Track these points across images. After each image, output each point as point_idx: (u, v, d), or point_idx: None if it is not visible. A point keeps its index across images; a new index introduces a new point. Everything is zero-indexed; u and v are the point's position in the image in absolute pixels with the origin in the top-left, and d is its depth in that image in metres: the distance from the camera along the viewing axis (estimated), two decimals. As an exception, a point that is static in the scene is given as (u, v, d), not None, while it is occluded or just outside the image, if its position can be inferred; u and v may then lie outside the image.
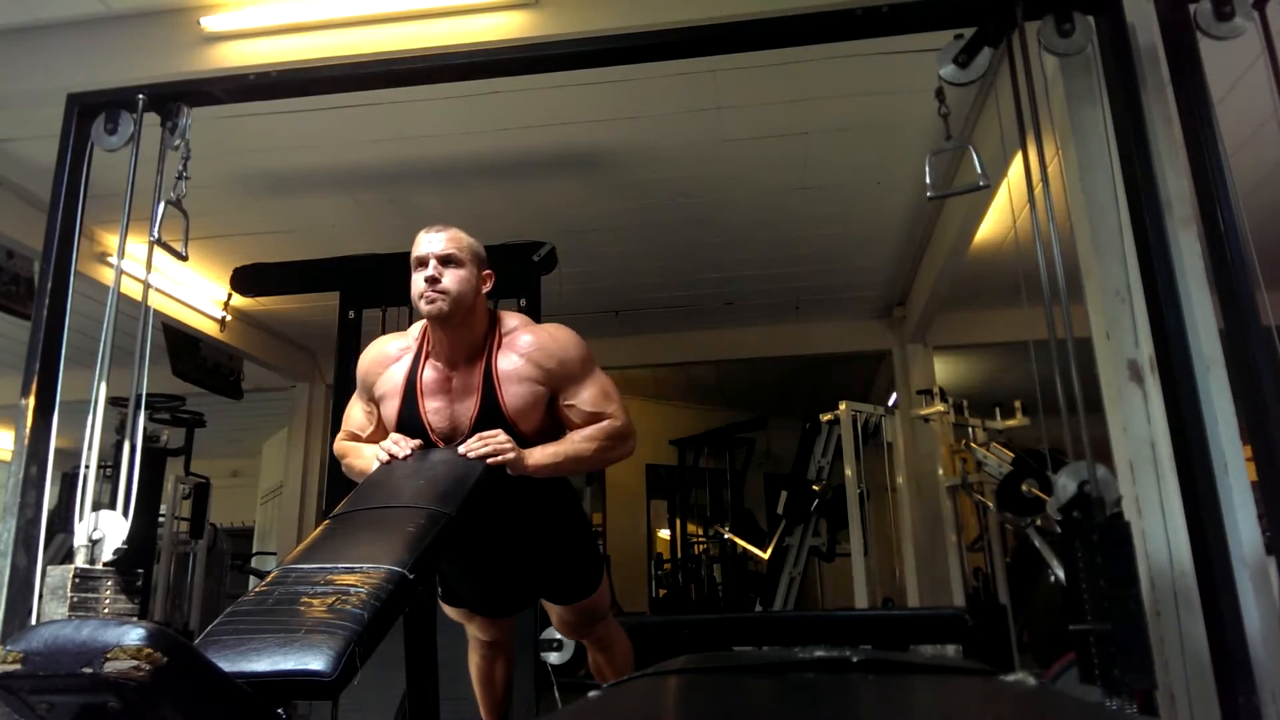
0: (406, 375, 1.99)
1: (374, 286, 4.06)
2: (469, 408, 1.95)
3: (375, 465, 1.95)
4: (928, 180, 2.38)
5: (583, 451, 1.96)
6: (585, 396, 1.98)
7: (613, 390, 2.03)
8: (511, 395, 1.93)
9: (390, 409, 2.00)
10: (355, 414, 2.13)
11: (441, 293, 1.89)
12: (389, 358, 2.04)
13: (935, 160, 2.39)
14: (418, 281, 1.92)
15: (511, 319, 2.04)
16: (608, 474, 8.17)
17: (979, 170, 2.28)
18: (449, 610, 2.28)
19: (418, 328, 2.06)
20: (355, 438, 2.13)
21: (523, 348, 1.96)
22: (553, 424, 2.03)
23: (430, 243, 1.94)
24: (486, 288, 2.00)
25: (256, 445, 9.95)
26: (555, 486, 2.09)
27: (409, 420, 1.97)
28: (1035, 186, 2.08)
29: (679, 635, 2.82)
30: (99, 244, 4.76)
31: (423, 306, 1.91)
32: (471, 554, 2.07)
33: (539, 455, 1.93)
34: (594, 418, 1.99)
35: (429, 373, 1.98)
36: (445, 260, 1.92)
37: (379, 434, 2.07)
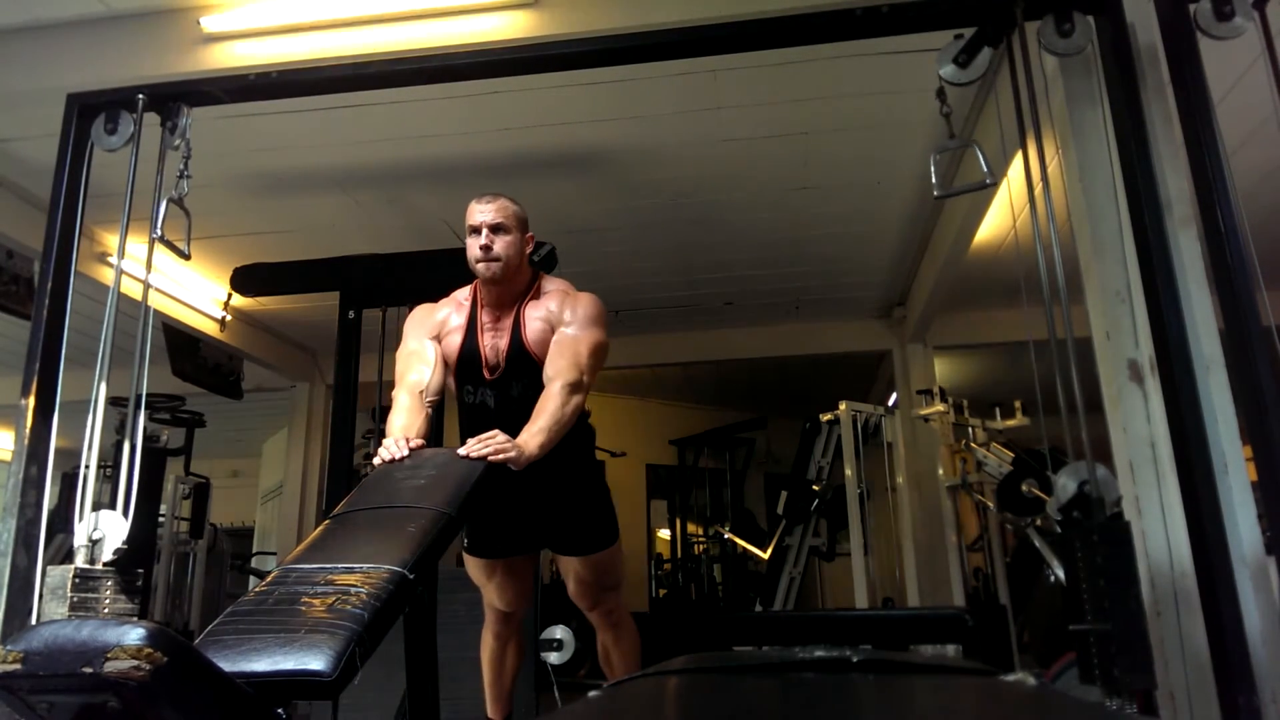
0: (469, 317, 2.36)
1: (374, 286, 4.06)
2: (505, 341, 2.31)
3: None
4: (933, 180, 2.38)
5: (555, 411, 2.12)
6: (569, 333, 2.27)
7: (593, 354, 2.26)
8: (531, 330, 2.30)
9: (454, 341, 2.35)
10: (413, 359, 2.32)
11: (494, 259, 2.25)
12: (445, 312, 2.40)
13: (939, 160, 2.39)
14: (473, 246, 2.27)
15: (554, 282, 2.40)
16: (607, 474, 8.16)
17: (985, 169, 2.28)
18: (471, 567, 2.48)
19: (466, 290, 2.42)
20: (413, 389, 2.25)
21: (548, 300, 2.34)
22: None
23: (483, 212, 2.28)
24: (529, 248, 2.38)
25: (256, 445, 9.94)
26: (575, 441, 2.27)
27: (469, 349, 2.33)
28: (1035, 186, 2.08)
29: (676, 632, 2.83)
30: (99, 244, 4.76)
31: (479, 269, 2.27)
32: (500, 497, 2.20)
33: (534, 440, 2.04)
34: (560, 351, 2.22)
35: (484, 316, 2.35)
36: (496, 228, 2.26)
37: (440, 370, 2.31)
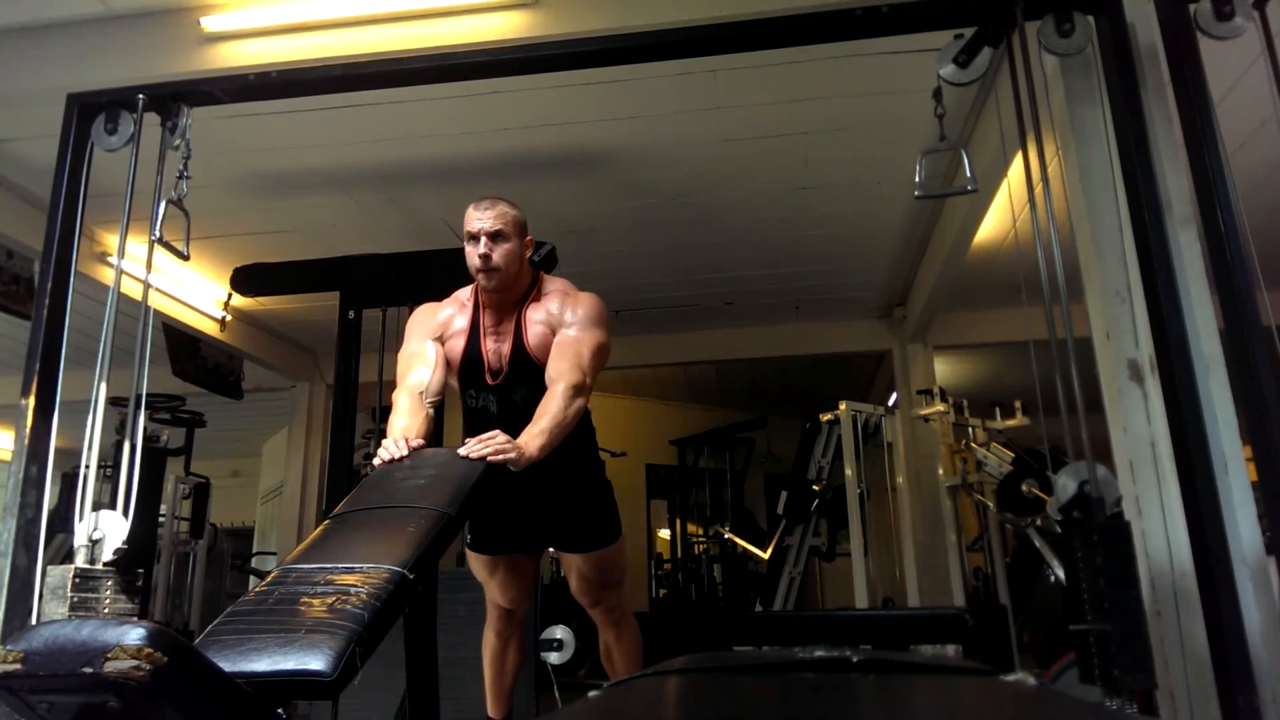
0: (471, 320, 2.35)
1: (374, 286, 4.06)
2: (507, 346, 2.31)
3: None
4: (917, 179, 2.38)
5: (558, 413, 2.11)
6: (570, 334, 2.26)
7: (594, 354, 2.25)
8: (533, 334, 2.29)
9: (457, 345, 2.34)
10: (414, 360, 2.30)
11: (494, 269, 2.23)
12: (448, 313, 2.39)
13: (931, 160, 2.39)
14: (471, 255, 2.25)
15: (554, 282, 2.38)
16: (607, 474, 8.17)
17: (969, 174, 2.30)
18: (474, 564, 2.50)
19: (468, 291, 2.41)
20: (413, 390, 2.24)
21: (548, 302, 2.33)
22: None
23: (480, 219, 2.25)
24: (529, 253, 2.37)
25: (256, 445, 9.95)
26: (577, 439, 2.28)
27: (472, 354, 2.32)
28: (1035, 186, 2.08)
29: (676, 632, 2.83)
30: (99, 244, 4.76)
31: (479, 279, 2.27)
32: (503, 494, 2.21)
33: (535, 442, 2.03)
34: (562, 352, 2.22)
35: (487, 319, 2.34)
36: (494, 236, 2.23)
37: (441, 371, 2.30)
